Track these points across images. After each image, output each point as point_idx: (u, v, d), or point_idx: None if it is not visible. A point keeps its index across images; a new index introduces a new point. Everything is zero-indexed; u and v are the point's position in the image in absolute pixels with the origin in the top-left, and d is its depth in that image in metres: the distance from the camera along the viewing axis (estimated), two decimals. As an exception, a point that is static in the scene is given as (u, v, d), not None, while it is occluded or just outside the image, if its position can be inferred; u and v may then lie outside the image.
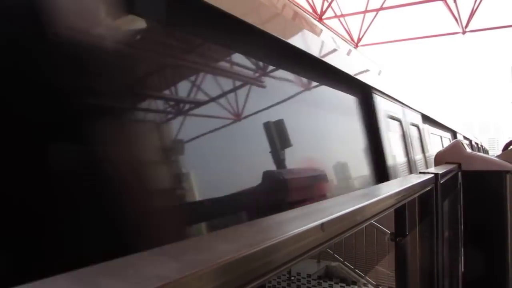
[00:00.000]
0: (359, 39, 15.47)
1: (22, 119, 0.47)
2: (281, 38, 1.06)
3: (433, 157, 2.37)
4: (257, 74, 1.04)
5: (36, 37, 0.49)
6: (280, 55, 1.13)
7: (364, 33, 15.33)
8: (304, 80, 1.37)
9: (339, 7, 14.76)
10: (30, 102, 0.48)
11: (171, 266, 0.33)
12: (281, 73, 1.18)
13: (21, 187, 0.46)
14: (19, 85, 0.48)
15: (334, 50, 1.47)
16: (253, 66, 1.02)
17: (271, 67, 1.11)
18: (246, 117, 0.90)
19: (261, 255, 0.41)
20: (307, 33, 1.29)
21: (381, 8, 14.51)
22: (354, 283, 4.68)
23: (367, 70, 1.90)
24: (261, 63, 1.06)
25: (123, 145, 0.60)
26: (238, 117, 0.88)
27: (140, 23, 0.65)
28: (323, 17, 14.13)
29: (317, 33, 1.43)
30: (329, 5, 14.16)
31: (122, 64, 0.62)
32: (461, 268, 2.21)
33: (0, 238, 0.44)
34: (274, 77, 1.14)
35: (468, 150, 2.42)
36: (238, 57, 0.96)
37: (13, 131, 0.46)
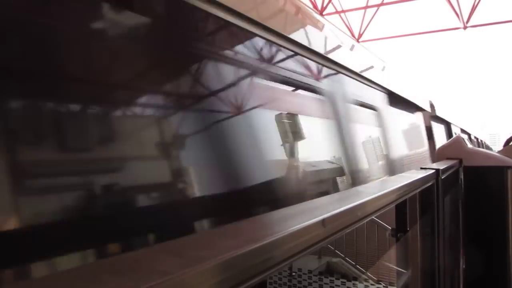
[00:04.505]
0: (360, 35, 15.43)
1: None
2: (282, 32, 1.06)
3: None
4: (259, 68, 1.04)
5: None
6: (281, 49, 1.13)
7: (365, 29, 15.30)
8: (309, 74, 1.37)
9: (339, 2, 14.72)
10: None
11: (173, 262, 0.34)
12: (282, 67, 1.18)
13: None
14: None
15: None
16: (253, 61, 1.02)
17: (272, 62, 1.11)
18: (247, 111, 0.90)
19: (263, 251, 0.41)
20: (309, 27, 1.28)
21: (382, 4, 14.47)
22: (355, 279, 4.69)
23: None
24: (262, 57, 1.06)
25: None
26: (239, 111, 0.87)
27: (139, 17, 0.64)
28: (324, 13, 14.10)
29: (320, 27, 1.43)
30: (330, 1, 14.12)
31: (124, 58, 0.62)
32: (462, 263, 2.21)
33: None
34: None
35: (469, 145, 2.42)
36: (238, 52, 0.95)
37: None
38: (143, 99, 0.66)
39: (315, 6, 13.86)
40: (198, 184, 0.69)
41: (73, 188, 0.48)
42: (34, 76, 0.47)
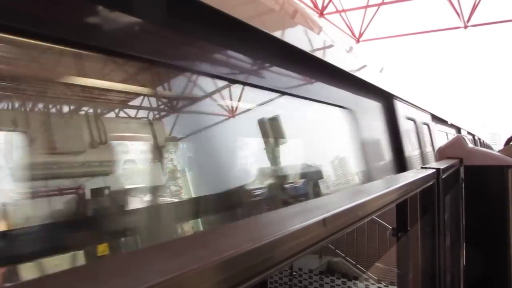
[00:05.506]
0: (361, 35, 15.42)
1: None
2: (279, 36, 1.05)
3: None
4: (254, 71, 1.03)
5: None
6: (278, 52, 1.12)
7: (366, 28, 15.29)
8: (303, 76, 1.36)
9: (340, 2, 14.70)
10: None
11: (173, 262, 0.33)
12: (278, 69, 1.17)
13: None
14: None
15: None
16: (250, 64, 1.02)
17: (269, 64, 1.10)
18: (240, 114, 0.90)
19: (263, 250, 0.41)
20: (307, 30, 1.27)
21: (383, 3, 14.46)
22: (356, 278, 4.70)
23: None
24: (258, 61, 1.05)
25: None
26: (233, 114, 0.87)
27: (135, 22, 0.64)
28: (324, 12, 14.09)
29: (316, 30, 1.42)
30: (330, 0, 14.10)
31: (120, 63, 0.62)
32: (463, 263, 2.21)
33: None
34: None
35: (470, 145, 2.42)
36: (234, 55, 0.95)
37: None
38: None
39: (315, 6, 13.85)
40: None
41: None
42: None
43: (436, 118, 3.81)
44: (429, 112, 3.45)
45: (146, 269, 0.32)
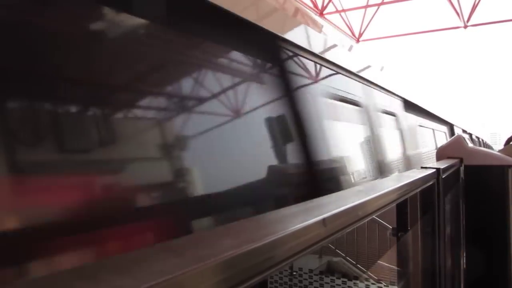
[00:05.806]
0: (360, 34, 15.42)
1: None
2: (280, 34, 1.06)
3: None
4: (256, 71, 1.03)
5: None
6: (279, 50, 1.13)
7: (366, 28, 15.29)
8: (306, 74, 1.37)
9: (340, 2, 14.70)
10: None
11: (173, 262, 0.33)
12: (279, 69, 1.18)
13: None
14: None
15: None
16: (252, 63, 1.02)
17: (270, 64, 1.10)
18: (245, 113, 0.90)
19: (263, 250, 0.41)
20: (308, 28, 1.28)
21: (382, 3, 14.46)
22: (356, 278, 4.69)
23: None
24: (260, 60, 1.05)
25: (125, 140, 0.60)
26: (237, 113, 0.87)
27: (139, 21, 0.64)
28: (324, 12, 14.09)
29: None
30: (330, 0, 14.11)
31: (122, 61, 0.62)
32: (463, 263, 2.21)
33: None
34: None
35: (470, 144, 2.42)
36: (237, 54, 0.95)
37: None
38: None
39: (315, 5, 13.85)
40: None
41: None
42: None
43: (463, 130, 5.93)
44: (461, 128, 5.41)
45: (146, 269, 0.32)
